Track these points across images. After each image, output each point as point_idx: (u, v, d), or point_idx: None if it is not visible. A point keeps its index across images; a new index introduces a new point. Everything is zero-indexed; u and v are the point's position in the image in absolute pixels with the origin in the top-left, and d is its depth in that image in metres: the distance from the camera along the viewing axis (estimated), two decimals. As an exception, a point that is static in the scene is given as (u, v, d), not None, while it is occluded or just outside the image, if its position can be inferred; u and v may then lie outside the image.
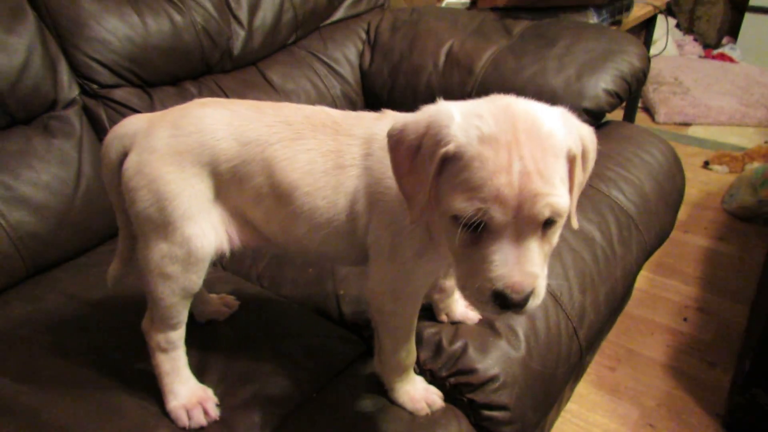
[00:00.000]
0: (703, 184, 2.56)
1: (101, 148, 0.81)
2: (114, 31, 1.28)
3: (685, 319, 1.81)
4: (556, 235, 0.61)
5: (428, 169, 0.59)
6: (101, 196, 1.21)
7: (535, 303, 0.59)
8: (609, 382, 1.59)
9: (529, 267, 0.58)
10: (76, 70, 1.26)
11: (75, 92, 1.26)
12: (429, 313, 0.96)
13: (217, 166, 0.74)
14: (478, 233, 0.58)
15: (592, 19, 1.81)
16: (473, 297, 0.60)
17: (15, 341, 0.94)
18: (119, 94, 1.30)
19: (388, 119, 0.75)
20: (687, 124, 3.08)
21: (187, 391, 0.81)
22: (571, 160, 0.60)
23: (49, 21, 1.24)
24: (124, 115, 1.27)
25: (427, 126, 0.60)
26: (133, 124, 0.78)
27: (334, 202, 0.74)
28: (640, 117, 3.17)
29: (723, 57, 3.59)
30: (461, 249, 0.60)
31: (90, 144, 1.24)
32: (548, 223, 0.58)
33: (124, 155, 0.76)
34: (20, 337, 0.95)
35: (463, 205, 0.57)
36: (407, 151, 0.61)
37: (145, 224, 0.75)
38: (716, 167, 2.64)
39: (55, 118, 1.21)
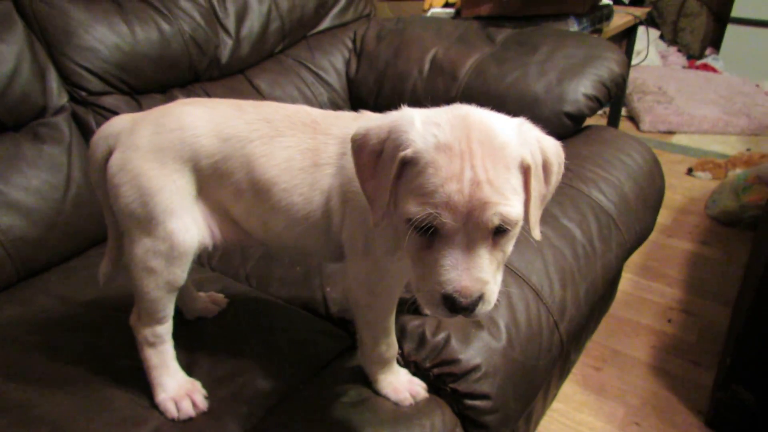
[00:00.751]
0: (687, 190, 2.61)
1: (89, 148, 0.83)
2: (102, 39, 1.31)
3: (669, 321, 1.84)
4: (509, 244, 0.64)
5: (389, 173, 0.60)
6: (90, 201, 1.23)
7: (484, 308, 0.61)
8: (595, 382, 1.61)
9: (477, 273, 0.59)
10: (65, 77, 1.28)
11: (64, 99, 1.28)
12: (413, 306, 0.98)
13: (198, 162, 0.77)
14: (429, 238, 0.60)
15: (573, 27, 1.86)
16: (425, 299, 0.62)
17: (5, 341, 0.95)
18: (108, 101, 1.32)
19: (365, 119, 0.77)
20: (671, 133, 3.14)
21: (175, 384, 0.83)
22: (525, 171, 0.61)
23: (38, 29, 1.26)
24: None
25: (389, 131, 0.62)
26: (117, 123, 0.80)
27: (310, 198, 0.76)
28: (625, 126, 3.23)
29: (706, 67, 3.67)
30: (415, 252, 0.62)
31: (79, 150, 1.26)
32: (500, 232, 0.60)
33: (110, 154, 0.78)
34: (11, 337, 0.96)
35: (416, 209, 0.58)
36: (369, 156, 0.63)
37: (129, 220, 0.77)
38: (699, 174, 2.69)
39: (44, 125, 1.23)
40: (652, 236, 2.24)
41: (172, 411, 0.81)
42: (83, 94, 1.31)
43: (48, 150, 1.21)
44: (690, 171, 2.72)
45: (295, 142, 0.76)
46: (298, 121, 0.78)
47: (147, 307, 0.80)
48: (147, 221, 0.76)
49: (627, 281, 2.02)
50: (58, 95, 1.27)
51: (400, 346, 0.93)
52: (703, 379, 1.60)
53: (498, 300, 0.96)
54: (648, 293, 1.98)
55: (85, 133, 1.30)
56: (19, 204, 1.13)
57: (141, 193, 0.75)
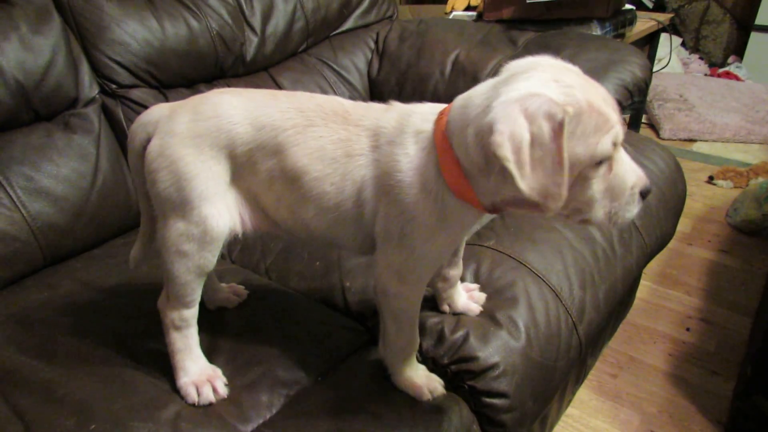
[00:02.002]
0: (708, 198, 2.58)
1: (128, 135, 0.85)
2: (134, 34, 1.33)
3: (687, 329, 1.82)
4: None
5: (558, 147, 0.59)
6: (116, 191, 1.25)
7: None
8: (610, 389, 1.60)
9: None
10: (96, 70, 1.31)
11: (95, 91, 1.31)
12: (432, 303, 0.99)
13: (234, 149, 0.78)
14: (599, 164, 0.64)
15: (596, 31, 1.85)
16: (624, 209, 0.68)
17: (33, 323, 0.98)
18: (136, 94, 1.35)
19: (395, 110, 0.78)
20: (692, 140, 3.11)
21: (197, 369, 0.84)
22: None
23: (73, 23, 1.29)
24: (139, 113, 1.33)
25: (521, 118, 0.59)
26: (156, 111, 0.83)
27: (341, 188, 0.77)
28: (645, 133, 3.20)
29: (729, 75, 3.63)
30: (602, 182, 0.65)
31: (107, 140, 1.28)
32: None
33: (148, 141, 0.80)
34: (38, 319, 0.99)
35: (607, 141, 0.62)
36: (520, 156, 0.59)
37: (164, 204, 0.79)
38: (721, 182, 2.66)
39: (75, 115, 1.26)
40: (672, 244, 2.22)
41: (192, 395, 0.82)
42: (113, 86, 1.34)
43: (78, 140, 1.24)
44: (711, 179, 2.69)
45: (327, 132, 0.78)
46: (330, 110, 0.79)
47: (176, 291, 0.82)
48: (182, 205, 0.78)
49: (645, 289, 2.00)
50: (89, 87, 1.30)
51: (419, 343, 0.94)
52: (721, 388, 1.58)
53: (517, 298, 0.98)
54: (666, 301, 1.96)
55: (114, 124, 1.33)
56: (48, 191, 1.16)
57: (178, 178, 0.77)
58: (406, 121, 0.75)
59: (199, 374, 0.84)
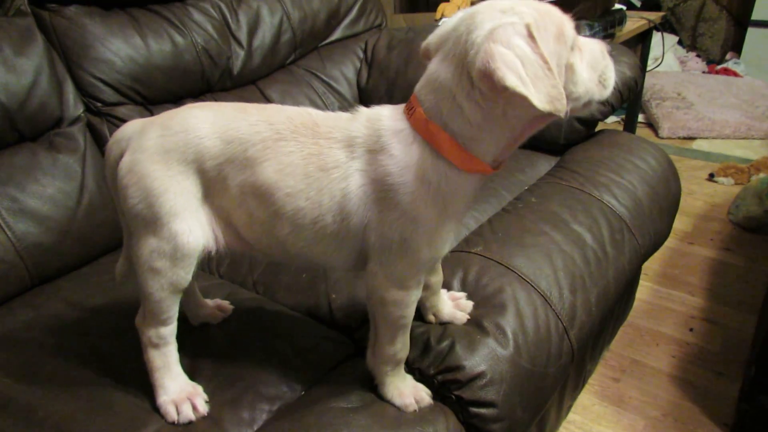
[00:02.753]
0: (708, 196, 2.55)
1: (105, 151, 0.85)
2: (118, 52, 1.34)
3: (691, 330, 1.79)
4: None
5: (540, 55, 0.63)
6: (102, 209, 1.25)
7: None
8: (613, 393, 1.58)
9: None
10: (81, 89, 1.32)
11: (80, 110, 1.31)
12: (417, 313, 0.97)
13: (203, 163, 0.77)
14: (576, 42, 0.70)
15: (584, 32, 1.84)
16: (607, 69, 0.74)
17: (17, 344, 0.97)
18: (122, 111, 1.35)
19: (360, 117, 0.77)
20: (691, 138, 3.09)
21: (176, 387, 0.83)
22: None
23: (57, 43, 1.30)
24: (126, 131, 1.33)
25: (502, 48, 0.63)
26: (130, 127, 0.83)
27: (317, 203, 0.76)
28: (644, 132, 3.18)
29: (727, 72, 3.60)
30: (583, 62, 0.71)
31: (93, 159, 1.28)
32: None
33: (122, 157, 0.80)
34: (22, 340, 0.98)
35: (569, 26, 0.69)
36: (522, 78, 0.62)
37: (135, 220, 0.78)
38: (721, 179, 2.63)
39: (60, 135, 1.26)
40: (672, 243, 2.20)
41: (172, 414, 0.81)
42: (98, 104, 1.34)
43: (63, 159, 1.24)
44: (711, 176, 2.67)
45: (297, 146, 0.76)
46: (299, 123, 0.78)
47: (152, 308, 0.81)
48: (152, 222, 0.77)
49: (646, 289, 1.98)
50: (74, 106, 1.30)
51: (406, 352, 0.93)
52: (727, 389, 1.55)
53: (505, 304, 0.97)
54: (668, 302, 1.93)
55: (100, 142, 1.33)
56: (33, 212, 1.16)
57: (147, 194, 0.76)
58: (377, 126, 0.74)
59: (179, 392, 0.83)
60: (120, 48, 1.34)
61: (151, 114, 1.40)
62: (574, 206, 1.23)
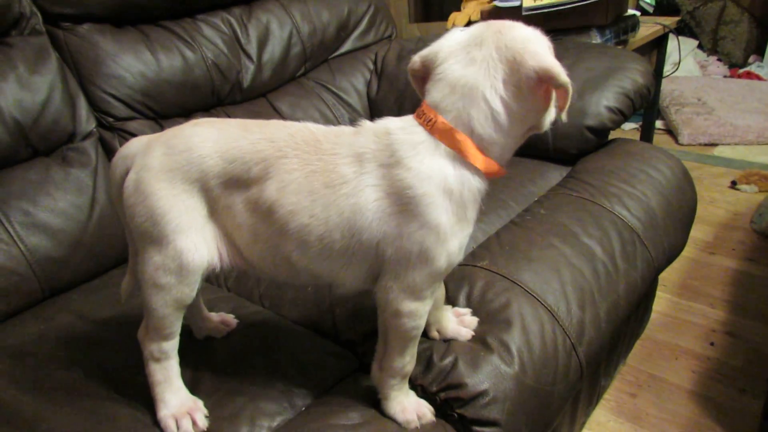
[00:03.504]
0: (730, 204, 2.49)
1: (110, 168, 0.87)
2: (129, 67, 1.36)
3: (712, 344, 1.74)
4: None
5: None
6: (112, 222, 1.27)
7: None
8: (630, 409, 1.54)
9: None
10: (93, 104, 1.34)
11: (92, 125, 1.34)
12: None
13: (206, 182, 0.78)
14: None
15: (596, 39, 1.82)
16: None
17: (26, 356, 0.99)
18: (133, 126, 1.37)
19: (365, 132, 0.77)
20: (712, 145, 3.02)
21: (177, 401, 0.84)
22: None
23: (70, 61, 1.33)
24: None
25: (544, 43, 0.74)
26: (134, 145, 0.84)
27: (324, 219, 0.75)
28: (663, 139, 3.12)
29: (749, 75, 3.52)
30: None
31: (104, 173, 1.30)
32: None
33: (127, 174, 0.81)
34: (30, 353, 1.00)
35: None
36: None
37: (141, 237, 0.80)
38: (744, 187, 2.57)
39: (72, 150, 1.29)
40: (692, 254, 2.15)
41: (171, 428, 0.81)
42: (110, 119, 1.36)
43: (75, 173, 1.26)
44: (734, 184, 2.60)
45: (300, 164, 0.76)
46: (301, 140, 0.78)
47: (155, 323, 0.82)
48: (158, 239, 0.78)
49: (664, 301, 1.93)
50: (86, 121, 1.33)
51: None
52: (750, 407, 1.50)
53: (510, 320, 0.95)
54: (688, 314, 1.88)
55: (111, 156, 1.35)
56: (45, 225, 1.18)
57: (152, 213, 0.77)
58: (388, 140, 0.74)
59: (179, 407, 0.83)
60: (131, 64, 1.37)
61: (162, 128, 1.41)
62: (584, 218, 1.21)
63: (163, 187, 0.77)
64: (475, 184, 0.74)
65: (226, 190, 0.78)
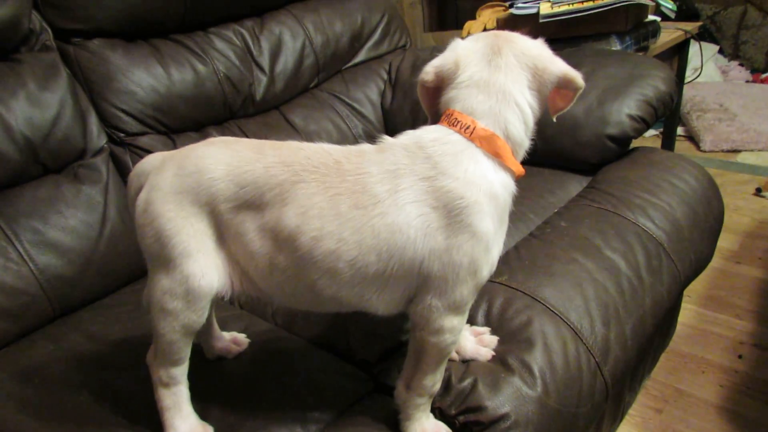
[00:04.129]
0: (756, 212, 2.42)
1: (127, 184, 0.86)
2: (140, 82, 1.35)
3: (740, 357, 1.68)
4: None
5: None
6: (125, 239, 1.25)
7: None
8: (655, 425, 1.48)
9: None
10: (104, 120, 1.33)
11: (103, 141, 1.32)
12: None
13: (216, 206, 0.75)
14: None
15: (615, 46, 1.78)
16: None
17: (35, 379, 0.97)
18: (144, 141, 1.36)
19: (393, 149, 0.75)
20: (735, 151, 2.95)
21: (186, 428, 0.81)
22: None
23: (81, 76, 1.32)
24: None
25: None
26: (149, 162, 0.82)
27: (356, 242, 0.72)
28: (684, 146, 3.06)
29: (773, 80, 3.44)
30: None
31: (115, 189, 1.29)
32: None
33: (141, 191, 0.80)
34: (40, 375, 0.98)
35: None
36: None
37: (150, 260, 0.78)
38: (770, 194, 2.50)
39: (84, 166, 1.27)
40: (718, 263, 2.08)
41: None
42: (121, 135, 1.35)
43: (86, 190, 1.24)
44: (758, 191, 2.53)
45: (319, 188, 0.73)
46: (319, 162, 0.75)
47: (163, 348, 0.80)
48: (165, 263, 0.75)
49: (690, 313, 1.87)
50: (97, 137, 1.32)
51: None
52: (781, 422, 1.45)
53: (531, 339, 0.91)
54: (714, 326, 1.82)
55: (122, 172, 1.34)
56: (56, 243, 1.17)
57: (160, 235, 0.75)
58: (426, 153, 0.73)
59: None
60: (142, 78, 1.36)
61: (174, 143, 1.40)
62: (607, 230, 1.16)
63: (172, 209, 0.74)
64: (512, 188, 0.76)
65: (238, 215, 0.75)
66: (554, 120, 0.82)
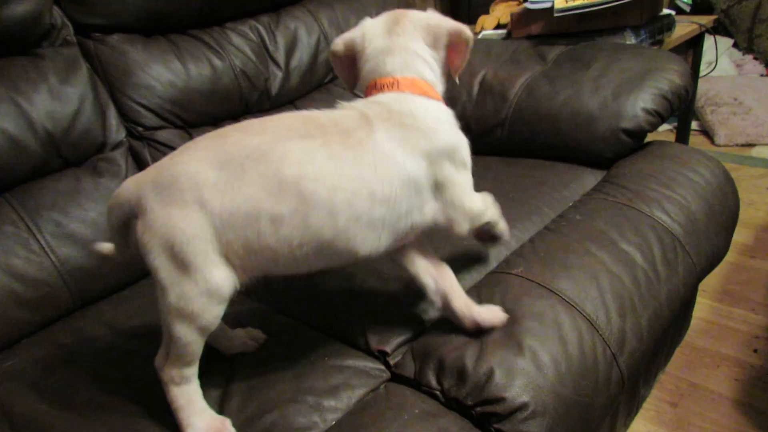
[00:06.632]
0: (771, 206, 2.40)
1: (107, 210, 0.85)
2: (158, 77, 1.37)
3: (755, 351, 1.67)
4: None
5: None
6: (144, 232, 1.27)
7: None
8: (671, 419, 1.48)
9: None
10: (123, 114, 1.35)
11: (122, 135, 1.34)
12: (443, 329, 0.93)
13: (206, 200, 0.74)
14: None
15: (630, 40, 1.76)
16: None
17: (57, 369, 0.99)
18: (162, 135, 1.37)
19: (350, 107, 0.83)
20: (750, 145, 2.92)
21: (203, 423, 0.81)
22: None
23: (101, 71, 1.34)
24: (165, 154, 1.35)
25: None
26: (126, 190, 0.80)
27: (357, 175, 0.77)
28: (699, 140, 3.03)
29: (788, 74, 3.40)
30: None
31: (134, 182, 1.31)
32: None
33: (124, 219, 0.81)
34: (61, 365, 1.00)
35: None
36: None
37: (163, 272, 0.76)
38: (785, 188, 2.47)
39: (103, 160, 1.29)
40: (732, 257, 2.07)
41: None
42: (140, 129, 1.37)
43: (105, 183, 1.26)
44: (774, 186, 2.51)
45: (301, 142, 0.76)
46: (287, 125, 0.78)
47: (177, 351, 0.80)
48: (183, 270, 0.75)
49: (705, 307, 1.86)
50: (116, 131, 1.34)
51: (439, 383, 0.89)
52: (797, 417, 1.44)
53: (547, 330, 0.91)
54: (729, 320, 1.81)
55: (141, 166, 1.35)
56: (76, 235, 1.19)
57: (172, 246, 0.74)
58: (379, 106, 0.82)
59: (206, 428, 0.81)
60: (160, 73, 1.37)
61: (191, 136, 1.42)
62: (622, 224, 1.16)
63: (173, 220, 0.74)
64: (450, 111, 0.88)
65: (227, 194, 0.74)
66: (457, 81, 0.94)
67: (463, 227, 0.88)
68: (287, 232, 0.76)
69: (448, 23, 0.88)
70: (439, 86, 0.90)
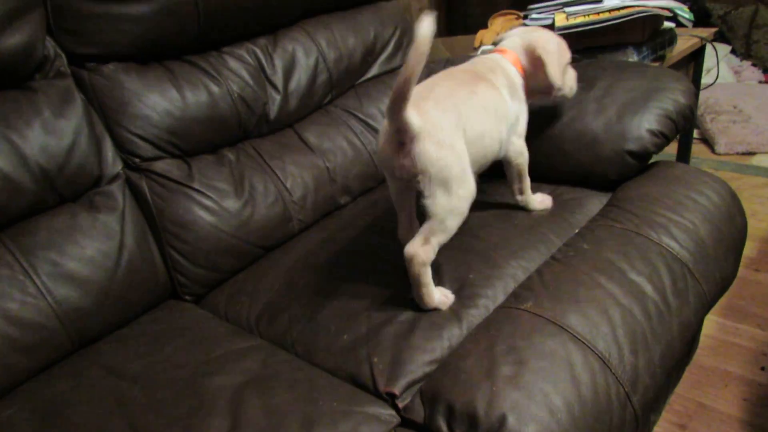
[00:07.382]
0: (774, 217, 2.38)
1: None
2: (154, 107, 1.34)
3: (762, 369, 1.65)
4: None
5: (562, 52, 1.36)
6: (142, 266, 1.24)
7: None
8: (679, 442, 1.46)
9: None
10: (119, 146, 1.32)
11: (119, 167, 1.31)
12: (457, 363, 0.91)
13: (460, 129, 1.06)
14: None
15: (632, 57, 1.75)
16: (573, 84, 1.40)
17: (56, 417, 0.96)
18: (160, 165, 1.34)
19: (480, 61, 1.30)
20: (751, 154, 2.90)
21: (438, 294, 1.07)
22: None
23: (96, 103, 1.31)
24: (164, 186, 1.33)
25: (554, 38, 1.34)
26: (415, 121, 0.98)
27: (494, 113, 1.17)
28: (699, 149, 3.02)
29: (786, 80, 3.39)
30: (568, 73, 1.39)
31: (132, 216, 1.28)
32: None
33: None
34: (59, 413, 0.97)
35: (569, 53, 1.39)
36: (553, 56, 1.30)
37: (447, 181, 0.99)
38: (788, 198, 2.45)
39: (99, 194, 1.26)
40: (738, 271, 2.05)
41: (443, 300, 1.09)
42: (137, 160, 1.34)
43: (102, 218, 1.23)
44: (776, 196, 2.49)
45: (480, 88, 1.18)
46: (465, 78, 1.19)
47: (444, 239, 1.03)
48: (463, 177, 1.01)
49: (711, 324, 1.84)
50: (113, 164, 1.31)
51: (450, 429, 0.86)
52: (808, 439, 1.42)
53: (559, 371, 0.89)
54: (736, 337, 1.79)
55: (139, 197, 1.33)
56: (73, 275, 1.16)
57: (458, 159, 1.01)
58: (494, 62, 1.29)
59: (439, 299, 1.08)
60: (157, 102, 1.34)
61: (189, 166, 1.39)
62: (631, 252, 1.14)
63: (455, 138, 1.02)
64: (520, 77, 1.29)
65: (468, 123, 1.08)
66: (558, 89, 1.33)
67: (517, 144, 1.28)
68: (487, 142, 1.14)
69: (542, 48, 1.29)
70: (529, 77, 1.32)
